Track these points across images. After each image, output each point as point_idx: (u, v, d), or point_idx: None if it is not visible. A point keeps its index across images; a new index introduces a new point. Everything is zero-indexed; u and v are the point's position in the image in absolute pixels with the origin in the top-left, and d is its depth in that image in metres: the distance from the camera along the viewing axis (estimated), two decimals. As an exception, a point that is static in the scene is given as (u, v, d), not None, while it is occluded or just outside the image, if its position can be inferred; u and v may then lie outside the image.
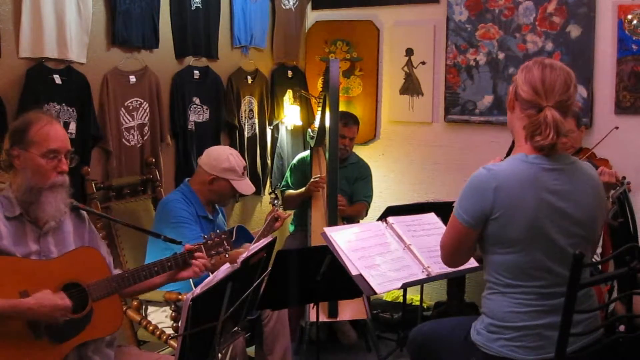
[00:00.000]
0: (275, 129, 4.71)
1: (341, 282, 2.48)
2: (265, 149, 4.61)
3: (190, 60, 3.93)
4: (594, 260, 3.43)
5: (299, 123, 4.77)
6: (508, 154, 2.22)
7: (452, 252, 2.13)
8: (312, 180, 3.99)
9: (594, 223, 2.05)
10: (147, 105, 3.58)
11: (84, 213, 2.35)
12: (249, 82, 4.38)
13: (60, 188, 2.15)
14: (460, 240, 2.07)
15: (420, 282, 2.51)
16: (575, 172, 2.03)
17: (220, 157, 3.24)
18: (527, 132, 1.99)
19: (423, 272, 2.47)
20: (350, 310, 3.65)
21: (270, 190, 4.60)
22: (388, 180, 4.82)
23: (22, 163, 2.12)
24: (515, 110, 2.08)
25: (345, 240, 2.46)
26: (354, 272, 2.36)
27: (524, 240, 1.96)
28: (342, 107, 4.29)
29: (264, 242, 2.26)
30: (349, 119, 4.24)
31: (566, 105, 1.99)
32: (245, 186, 3.29)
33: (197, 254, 2.35)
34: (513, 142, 2.20)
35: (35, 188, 2.10)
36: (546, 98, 1.97)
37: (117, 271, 2.38)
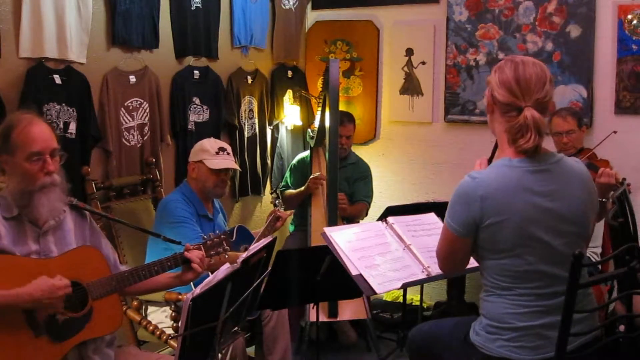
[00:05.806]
0: (275, 129, 4.71)
1: (341, 282, 2.48)
2: (265, 149, 4.60)
3: (190, 60, 3.93)
4: (592, 259, 3.45)
5: (299, 123, 4.77)
6: (493, 154, 2.22)
7: (447, 260, 2.13)
8: (311, 177, 3.99)
9: (586, 218, 2.03)
10: (147, 105, 3.58)
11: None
12: (249, 82, 4.38)
13: (51, 187, 2.12)
14: (454, 248, 2.06)
15: (420, 282, 2.51)
16: (561, 169, 2.01)
17: (197, 146, 3.27)
18: (508, 136, 1.98)
19: (423, 272, 2.47)
20: (350, 310, 3.65)
21: (272, 190, 4.60)
22: (388, 180, 4.82)
23: (10, 169, 2.10)
24: (494, 113, 2.05)
25: (345, 240, 2.46)
26: (354, 272, 2.36)
27: (516, 246, 1.95)
28: (342, 107, 4.29)
29: (264, 242, 2.26)
30: (343, 117, 4.21)
31: (544, 102, 1.97)
32: (218, 162, 3.18)
33: (191, 252, 2.33)
34: (497, 142, 2.18)
35: (26, 191, 2.09)
36: (524, 98, 1.94)
37: (123, 267, 2.38)
